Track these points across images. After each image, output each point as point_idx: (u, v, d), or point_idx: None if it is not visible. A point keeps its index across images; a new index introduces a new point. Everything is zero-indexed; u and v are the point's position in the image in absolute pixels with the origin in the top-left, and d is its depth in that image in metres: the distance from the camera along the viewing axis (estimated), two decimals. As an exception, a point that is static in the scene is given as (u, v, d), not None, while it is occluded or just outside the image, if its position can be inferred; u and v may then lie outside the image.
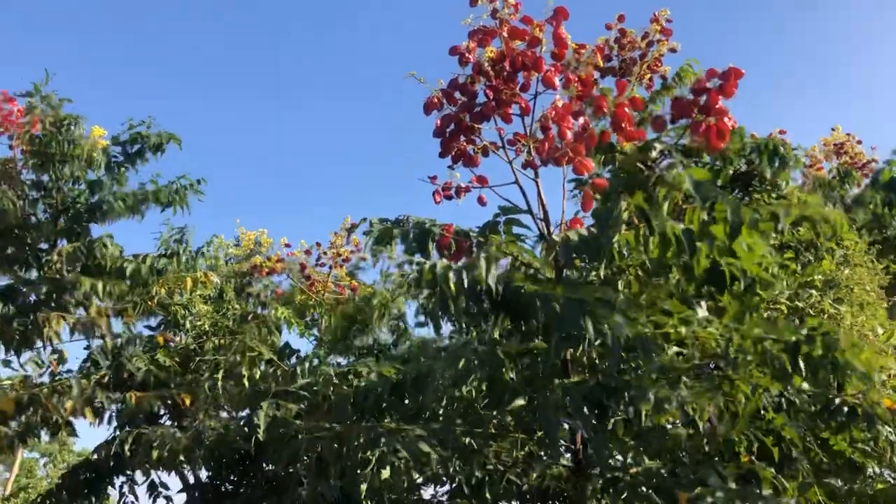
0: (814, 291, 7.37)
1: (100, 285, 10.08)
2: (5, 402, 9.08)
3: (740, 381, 5.31)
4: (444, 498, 6.50)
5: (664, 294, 5.52)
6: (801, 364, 4.61)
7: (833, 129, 10.57)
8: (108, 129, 10.92)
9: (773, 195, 7.86)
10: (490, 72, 5.20)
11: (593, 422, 4.31)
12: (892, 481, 8.45)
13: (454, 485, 6.22)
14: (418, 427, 5.13)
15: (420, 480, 6.19)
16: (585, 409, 4.15)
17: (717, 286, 5.23)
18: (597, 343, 4.04)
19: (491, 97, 5.23)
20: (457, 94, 5.30)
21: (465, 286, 4.16)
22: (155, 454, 7.21)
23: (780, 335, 4.66)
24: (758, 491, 5.13)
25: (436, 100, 5.32)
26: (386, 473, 4.69)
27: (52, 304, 10.59)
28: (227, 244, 12.77)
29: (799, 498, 7.58)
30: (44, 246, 11.01)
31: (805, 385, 5.69)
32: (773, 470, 5.31)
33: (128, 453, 7.53)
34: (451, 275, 4.23)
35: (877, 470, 7.48)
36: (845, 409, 6.25)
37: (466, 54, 5.22)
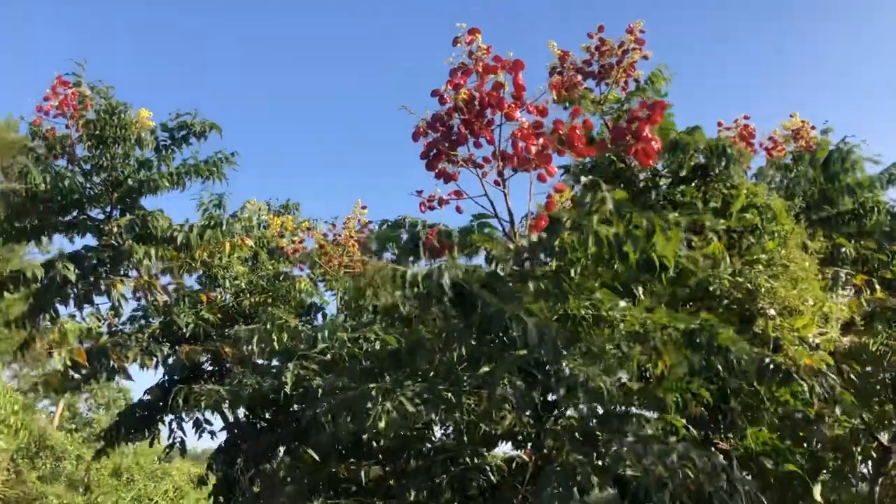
0: (759, 267, 8.60)
1: (153, 252, 11.66)
2: (78, 353, 10.76)
3: (665, 353, 6.71)
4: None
5: (608, 279, 6.91)
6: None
7: (791, 116, 11.46)
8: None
9: (727, 184, 9.07)
10: (464, 108, 6.54)
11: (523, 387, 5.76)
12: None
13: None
14: (409, 386, 6.61)
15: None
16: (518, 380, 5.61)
17: (650, 273, 6.62)
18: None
19: (464, 129, 6.58)
20: (438, 125, 6.66)
21: (434, 289, 5.61)
22: (203, 404, 8.81)
23: (679, 323, 6.05)
24: (673, 438, 6.57)
25: (421, 129, 6.69)
26: (381, 424, 6.15)
27: (110, 268, 12.26)
28: (260, 206, 14.22)
29: (739, 442, 9.04)
30: (100, 216, 12.59)
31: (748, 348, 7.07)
32: (684, 421, 6.73)
33: (180, 403, 9.13)
34: (424, 282, 5.68)
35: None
36: (775, 367, 7.66)
37: (445, 96, 6.57)
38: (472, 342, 6.26)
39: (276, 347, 8.65)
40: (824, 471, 10.49)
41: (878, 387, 10.24)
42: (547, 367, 5.79)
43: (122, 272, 12.28)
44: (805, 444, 10.27)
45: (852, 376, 9.40)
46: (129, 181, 12.32)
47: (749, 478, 8.58)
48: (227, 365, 12.19)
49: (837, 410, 9.18)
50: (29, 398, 37.38)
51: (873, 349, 9.46)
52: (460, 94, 6.53)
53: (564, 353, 6.08)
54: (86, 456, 27.90)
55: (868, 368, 10.01)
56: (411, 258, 6.74)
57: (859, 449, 10.64)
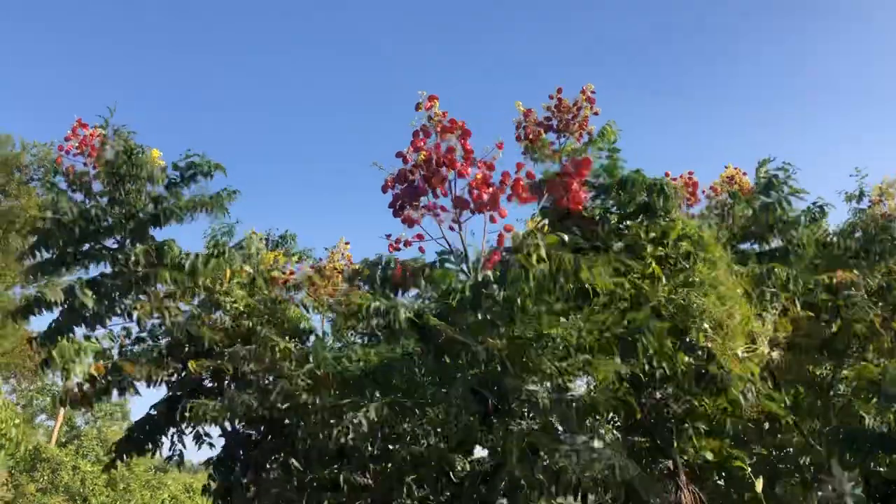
0: (689, 289, 9.80)
1: (167, 275, 12.82)
2: (97, 367, 11.93)
3: (600, 366, 7.97)
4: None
5: (552, 306, 8.20)
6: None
7: (726, 167, 12.90)
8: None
9: (666, 219, 10.27)
10: (423, 166, 7.90)
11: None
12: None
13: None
14: (380, 399, 7.90)
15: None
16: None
17: (585, 300, 7.94)
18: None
19: (423, 183, 7.94)
20: (402, 180, 8.02)
21: (394, 318, 6.93)
22: (208, 416, 10.07)
23: (612, 330, 7.35)
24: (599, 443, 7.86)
25: (389, 183, 8.04)
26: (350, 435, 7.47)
27: (124, 292, 13.45)
28: (261, 236, 15.43)
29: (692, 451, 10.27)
30: (114, 246, 13.80)
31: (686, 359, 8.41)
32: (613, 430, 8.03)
33: (187, 416, 10.38)
34: (390, 312, 6.98)
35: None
36: (712, 376, 8.92)
37: (407, 156, 7.93)
38: (431, 364, 7.54)
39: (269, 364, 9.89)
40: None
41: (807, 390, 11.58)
42: (495, 386, 7.12)
43: (136, 296, 13.41)
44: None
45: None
46: (141, 214, 13.51)
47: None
48: (226, 381, 13.35)
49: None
50: (27, 412, 38.55)
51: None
52: (420, 155, 7.87)
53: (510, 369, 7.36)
54: (82, 467, 28.85)
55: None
56: (384, 290, 8.05)
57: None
